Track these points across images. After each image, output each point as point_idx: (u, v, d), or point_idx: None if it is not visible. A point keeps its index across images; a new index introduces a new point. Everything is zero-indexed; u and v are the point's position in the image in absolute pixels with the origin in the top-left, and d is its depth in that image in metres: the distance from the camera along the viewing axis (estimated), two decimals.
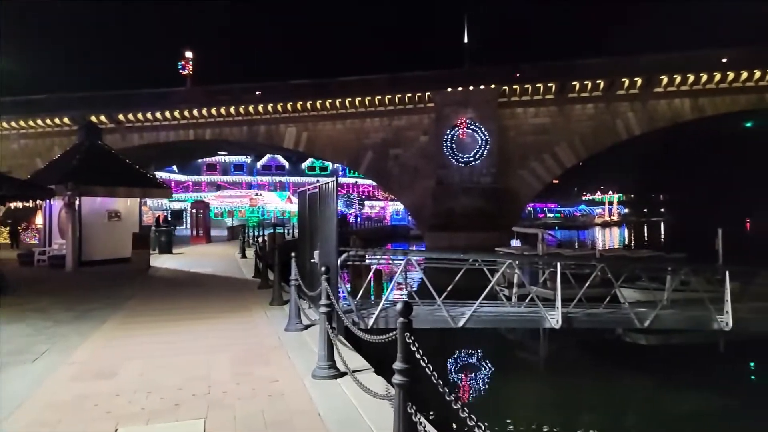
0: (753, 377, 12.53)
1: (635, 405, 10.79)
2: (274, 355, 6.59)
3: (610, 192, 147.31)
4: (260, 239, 22.70)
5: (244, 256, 21.09)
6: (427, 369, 3.45)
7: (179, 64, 48.54)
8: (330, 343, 5.71)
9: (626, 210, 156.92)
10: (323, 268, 6.03)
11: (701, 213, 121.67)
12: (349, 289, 12.23)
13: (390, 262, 12.14)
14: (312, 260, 8.56)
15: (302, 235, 9.96)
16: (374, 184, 66.34)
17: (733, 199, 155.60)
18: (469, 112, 42.00)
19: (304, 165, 70.10)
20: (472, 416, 3.03)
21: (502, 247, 26.64)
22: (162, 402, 4.93)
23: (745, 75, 39.39)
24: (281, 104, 45.52)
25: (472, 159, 41.58)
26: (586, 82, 41.33)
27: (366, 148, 45.72)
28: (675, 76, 40.08)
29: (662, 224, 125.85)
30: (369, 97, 43.99)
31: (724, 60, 39.52)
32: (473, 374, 12.24)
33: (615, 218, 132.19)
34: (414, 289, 13.85)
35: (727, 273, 10.51)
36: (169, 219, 36.25)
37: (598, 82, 41.18)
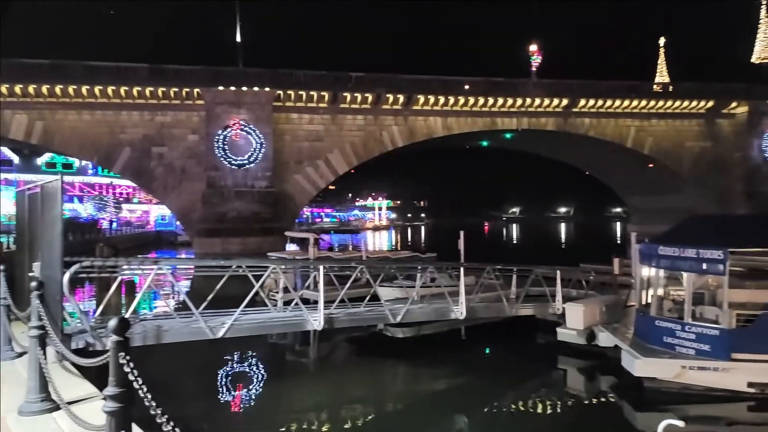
0: (486, 354, 14.77)
1: (396, 390, 11.80)
2: None
3: (380, 198, 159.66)
4: None
5: None
6: (140, 391, 3.02)
7: None
8: (42, 372, 4.76)
9: (394, 215, 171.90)
10: (33, 284, 5.00)
11: (453, 217, 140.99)
12: (81, 306, 10.59)
13: (142, 272, 10.89)
14: (31, 274, 7.10)
15: (21, 245, 8.24)
16: (135, 185, 59.69)
17: (478, 205, 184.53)
18: (242, 113, 40.96)
19: (41, 160, 58.83)
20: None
21: (277, 251, 26.59)
22: None
23: (481, 101, 46.71)
24: (6, 86, 37.53)
25: (246, 162, 40.65)
26: (356, 95, 44.02)
27: (122, 144, 40.82)
28: (429, 97, 45.43)
29: (423, 228, 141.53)
30: (126, 88, 39.36)
31: (467, 87, 46.32)
32: (242, 385, 11.78)
33: (384, 223, 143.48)
34: (177, 302, 12.78)
35: (462, 270, 12.09)
36: None
37: (366, 95, 44.22)
